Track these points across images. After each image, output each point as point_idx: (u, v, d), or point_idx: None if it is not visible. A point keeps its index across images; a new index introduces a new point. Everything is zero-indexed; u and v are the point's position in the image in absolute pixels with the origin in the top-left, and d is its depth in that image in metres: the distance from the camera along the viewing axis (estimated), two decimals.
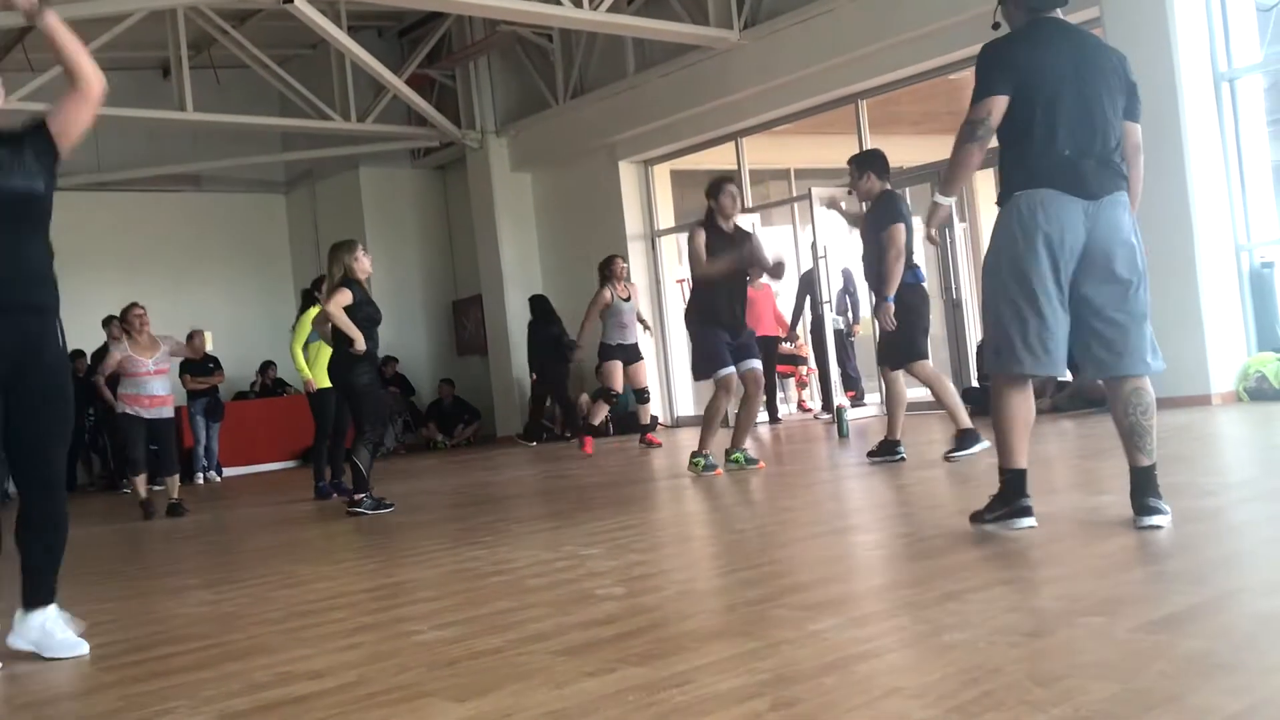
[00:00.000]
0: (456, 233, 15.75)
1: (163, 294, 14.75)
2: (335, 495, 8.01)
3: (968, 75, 11.36)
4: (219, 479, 12.32)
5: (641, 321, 10.25)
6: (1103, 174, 3.48)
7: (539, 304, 12.93)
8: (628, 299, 10.05)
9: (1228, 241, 8.52)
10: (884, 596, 3.09)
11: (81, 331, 12.14)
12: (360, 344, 6.59)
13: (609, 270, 10.06)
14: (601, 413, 10.24)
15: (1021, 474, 3.66)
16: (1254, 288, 8.55)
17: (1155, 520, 3.45)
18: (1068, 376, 7.45)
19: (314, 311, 7.93)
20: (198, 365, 12.38)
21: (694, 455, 6.90)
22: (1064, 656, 2.24)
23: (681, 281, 13.75)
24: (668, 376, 13.42)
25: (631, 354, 10.07)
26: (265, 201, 16.32)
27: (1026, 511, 3.64)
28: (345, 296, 6.60)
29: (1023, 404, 3.70)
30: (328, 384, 7.60)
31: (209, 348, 12.62)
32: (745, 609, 2.99)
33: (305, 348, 8.37)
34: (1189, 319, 8.31)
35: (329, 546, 5.60)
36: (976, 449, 6.02)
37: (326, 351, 7.46)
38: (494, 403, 14.78)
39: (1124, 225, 3.50)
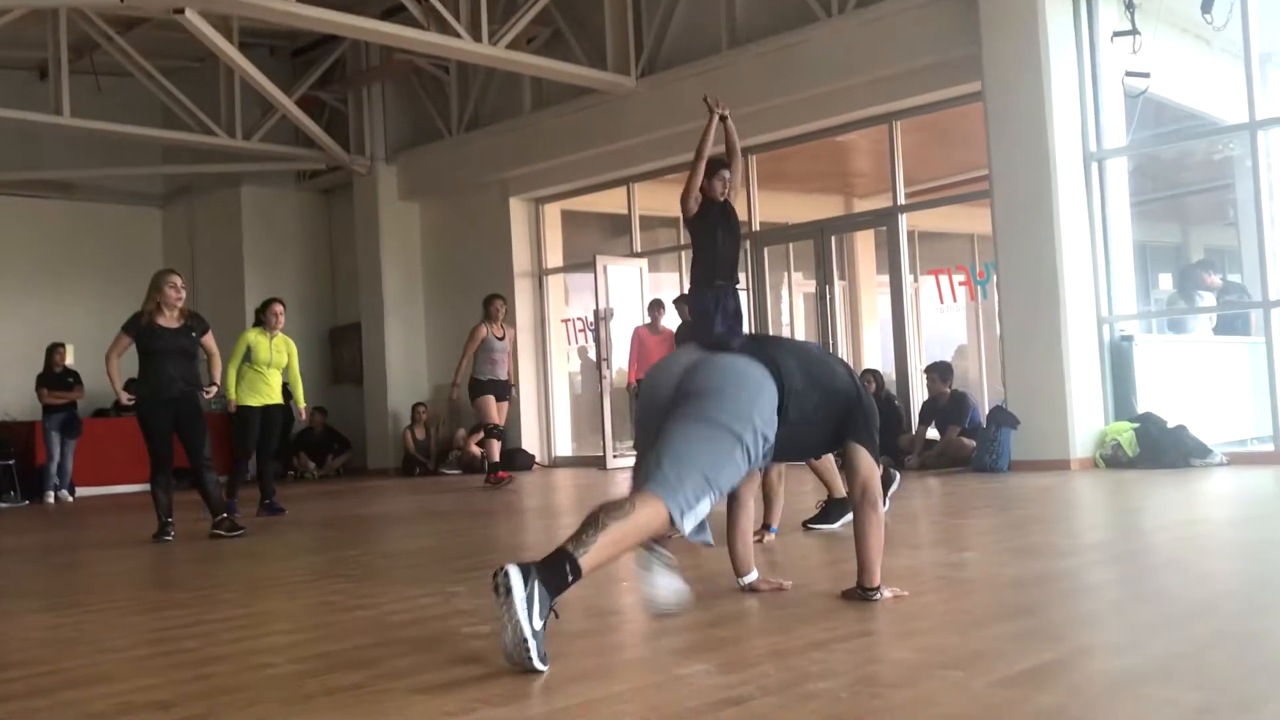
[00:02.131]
0: (338, 258, 15.48)
1: (25, 303, 14.18)
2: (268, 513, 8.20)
3: (855, 138, 11.76)
4: (71, 499, 11.78)
5: (509, 375, 10.37)
6: None
7: None
8: (501, 338, 10.22)
9: (1091, 314, 8.89)
10: (751, 643, 3.09)
11: None
12: (116, 389, 6.90)
13: (490, 309, 10.18)
14: (496, 448, 10.24)
15: None
16: (1114, 360, 8.93)
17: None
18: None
19: (251, 334, 8.37)
20: (56, 379, 11.87)
21: None
22: (923, 708, 2.27)
23: (567, 321, 13.75)
24: (548, 417, 13.37)
25: (500, 390, 10.14)
26: (141, 215, 15.80)
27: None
28: (119, 343, 6.85)
29: None
30: (251, 403, 8.21)
31: (70, 361, 12.16)
32: (613, 652, 2.96)
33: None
34: (1054, 387, 8.63)
35: (185, 573, 5.38)
36: (839, 524, 5.43)
37: (253, 373, 8.22)
38: (366, 433, 14.50)
39: None
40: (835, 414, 3.41)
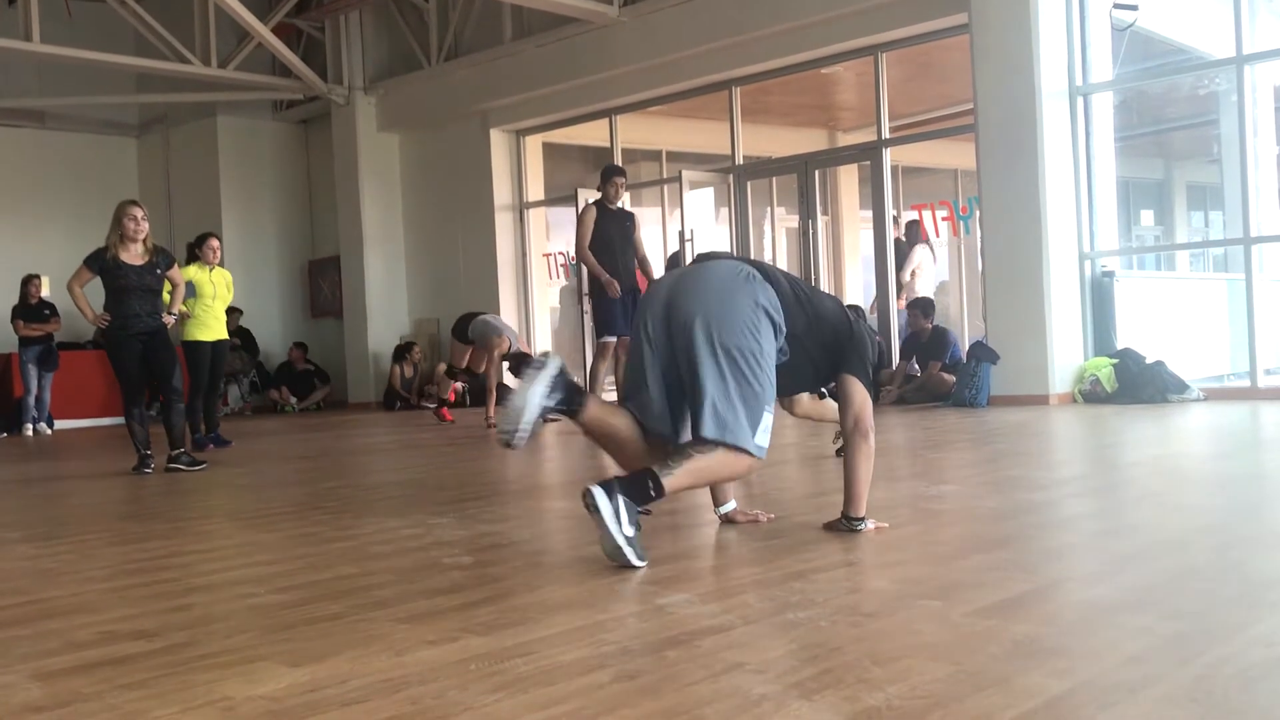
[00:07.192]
0: (317, 190, 15.31)
1: None
2: (211, 446, 8.22)
3: (840, 70, 11.63)
4: (49, 431, 11.74)
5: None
6: None
7: None
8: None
9: (1073, 250, 8.89)
10: (731, 574, 3.11)
11: None
12: (88, 316, 6.80)
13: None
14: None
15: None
16: (1094, 295, 8.96)
17: None
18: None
19: (190, 270, 8.24)
20: (32, 311, 11.77)
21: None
22: (901, 638, 2.29)
23: (548, 256, 13.69)
24: (532, 348, 13.33)
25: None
26: (115, 144, 15.56)
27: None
28: (80, 275, 6.72)
29: None
30: (201, 338, 8.24)
31: (45, 294, 12.04)
32: (593, 582, 2.98)
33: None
34: (1035, 322, 8.67)
35: (164, 505, 5.38)
36: None
37: (201, 308, 8.22)
38: (347, 368, 14.45)
39: None
40: (825, 342, 3.42)
